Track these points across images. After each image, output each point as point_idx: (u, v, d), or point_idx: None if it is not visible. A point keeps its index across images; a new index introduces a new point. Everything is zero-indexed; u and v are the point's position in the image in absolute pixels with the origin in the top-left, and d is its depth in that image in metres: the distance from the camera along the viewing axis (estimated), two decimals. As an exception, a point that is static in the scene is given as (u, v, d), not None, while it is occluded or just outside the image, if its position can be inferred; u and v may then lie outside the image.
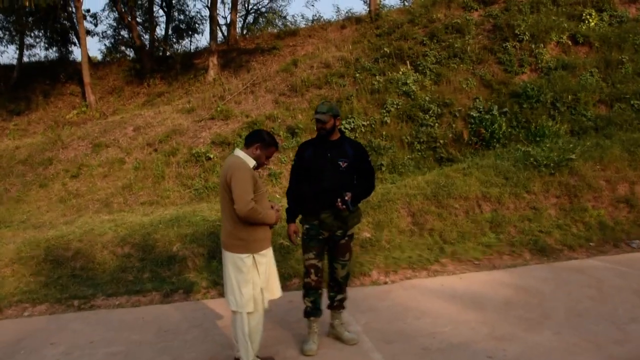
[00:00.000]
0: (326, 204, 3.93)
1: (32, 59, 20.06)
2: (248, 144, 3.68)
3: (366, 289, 5.61)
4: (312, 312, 4.12)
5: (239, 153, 3.64)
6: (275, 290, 3.75)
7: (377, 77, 12.22)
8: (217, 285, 5.71)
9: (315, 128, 4.09)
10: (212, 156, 10.61)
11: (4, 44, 19.04)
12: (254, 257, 3.55)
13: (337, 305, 4.27)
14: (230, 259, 3.55)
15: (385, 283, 5.80)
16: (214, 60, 16.58)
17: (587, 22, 12.66)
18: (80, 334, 4.65)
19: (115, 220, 7.75)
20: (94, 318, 5.09)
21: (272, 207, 3.68)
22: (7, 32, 18.86)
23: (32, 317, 5.28)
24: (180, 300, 5.56)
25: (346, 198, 3.79)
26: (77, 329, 4.79)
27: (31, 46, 19.73)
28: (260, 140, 3.66)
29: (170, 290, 5.74)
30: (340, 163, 3.97)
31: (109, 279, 6.07)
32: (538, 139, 9.76)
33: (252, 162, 3.61)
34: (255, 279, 3.54)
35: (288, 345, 4.24)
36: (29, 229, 7.96)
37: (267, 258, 3.64)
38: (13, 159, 12.09)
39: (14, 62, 19.05)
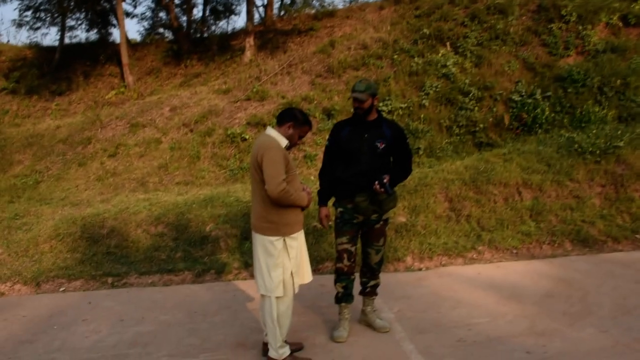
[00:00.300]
0: (362, 187, 3.78)
1: (73, 40, 20.34)
2: (280, 122, 3.52)
3: (400, 275, 5.48)
4: (344, 298, 4.01)
5: (271, 132, 3.49)
6: (305, 274, 3.64)
7: (415, 58, 11.90)
8: (249, 266, 5.67)
9: (351, 108, 3.92)
10: (247, 137, 10.57)
11: (46, 26, 19.27)
12: (284, 240, 3.42)
13: (369, 292, 4.15)
14: (260, 241, 3.44)
15: (420, 269, 5.65)
16: (250, 41, 16.47)
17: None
18: (112, 312, 4.68)
19: (150, 199, 7.80)
20: (126, 296, 5.12)
21: (303, 190, 3.54)
22: (49, 14, 19.11)
23: (67, 292, 5.35)
24: (212, 281, 5.54)
25: (384, 180, 3.63)
26: (109, 306, 4.83)
27: (72, 28, 19.88)
28: (293, 118, 3.49)
29: (202, 270, 5.73)
30: (378, 144, 3.80)
31: (142, 258, 6.10)
32: (583, 125, 9.34)
33: (284, 142, 3.45)
34: (285, 263, 3.42)
35: (318, 330, 4.15)
36: (67, 207, 8.09)
37: (298, 242, 3.51)
38: (54, 138, 12.33)
39: (56, 44, 19.34)
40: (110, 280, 5.62)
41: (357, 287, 4.14)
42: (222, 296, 5.02)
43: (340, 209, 3.94)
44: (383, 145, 3.82)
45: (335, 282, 4.01)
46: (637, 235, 6.43)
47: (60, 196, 9.28)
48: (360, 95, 3.75)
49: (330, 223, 4.01)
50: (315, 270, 5.64)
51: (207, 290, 5.23)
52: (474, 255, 6.00)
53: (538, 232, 6.40)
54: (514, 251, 6.09)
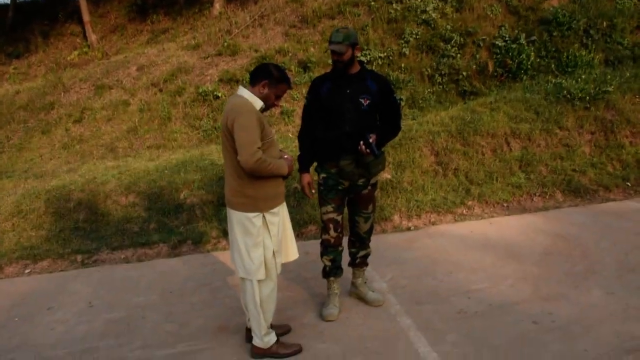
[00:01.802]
0: (346, 149, 3.38)
1: (27, -3, 19.18)
2: (253, 81, 3.03)
3: (389, 236, 5.18)
4: (332, 271, 3.68)
5: (244, 92, 3.00)
6: (290, 252, 3.25)
7: (394, 4, 11.33)
8: (227, 234, 5.30)
9: (329, 60, 3.45)
10: (220, 94, 10.03)
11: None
12: (264, 216, 3.00)
13: (359, 263, 3.82)
14: (236, 219, 3.01)
15: (409, 229, 5.38)
16: (219, -8, 15.67)
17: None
18: (80, 296, 4.28)
19: (119, 166, 7.32)
20: (96, 276, 4.72)
21: (282, 157, 3.11)
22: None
23: (32, 275, 4.93)
24: (189, 252, 5.18)
25: (370, 140, 3.22)
26: (77, 290, 4.42)
27: (25, -18, 18.77)
28: (267, 76, 3.00)
29: (178, 242, 5.35)
30: (362, 101, 3.37)
31: (114, 231, 5.69)
32: (569, 69, 9.05)
33: (258, 103, 2.98)
34: (266, 242, 3.01)
35: (305, 307, 3.83)
36: (30, 179, 7.55)
37: (279, 217, 3.10)
38: (13, 104, 11.59)
39: (8, 1, 18.14)
40: (79, 258, 5.22)
41: (345, 257, 3.81)
42: (200, 270, 4.67)
43: (323, 175, 3.55)
44: (368, 102, 3.40)
45: (322, 255, 3.66)
46: (628, 183, 6.26)
47: (23, 168, 8.71)
48: (339, 47, 3.29)
49: (313, 191, 3.62)
50: (298, 235, 5.31)
51: (184, 264, 4.86)
52: (464, 211, 5.76)
53: (528, 183, 6.17)
54: (505, 205, 5.88)
